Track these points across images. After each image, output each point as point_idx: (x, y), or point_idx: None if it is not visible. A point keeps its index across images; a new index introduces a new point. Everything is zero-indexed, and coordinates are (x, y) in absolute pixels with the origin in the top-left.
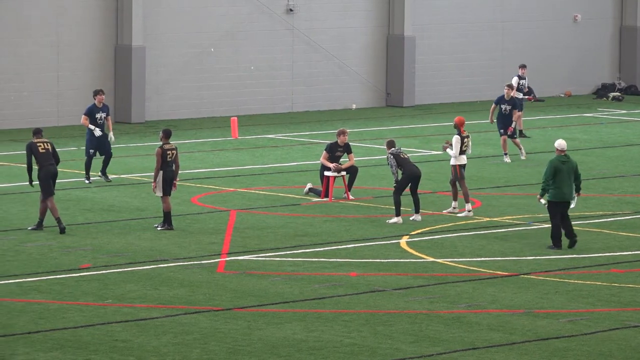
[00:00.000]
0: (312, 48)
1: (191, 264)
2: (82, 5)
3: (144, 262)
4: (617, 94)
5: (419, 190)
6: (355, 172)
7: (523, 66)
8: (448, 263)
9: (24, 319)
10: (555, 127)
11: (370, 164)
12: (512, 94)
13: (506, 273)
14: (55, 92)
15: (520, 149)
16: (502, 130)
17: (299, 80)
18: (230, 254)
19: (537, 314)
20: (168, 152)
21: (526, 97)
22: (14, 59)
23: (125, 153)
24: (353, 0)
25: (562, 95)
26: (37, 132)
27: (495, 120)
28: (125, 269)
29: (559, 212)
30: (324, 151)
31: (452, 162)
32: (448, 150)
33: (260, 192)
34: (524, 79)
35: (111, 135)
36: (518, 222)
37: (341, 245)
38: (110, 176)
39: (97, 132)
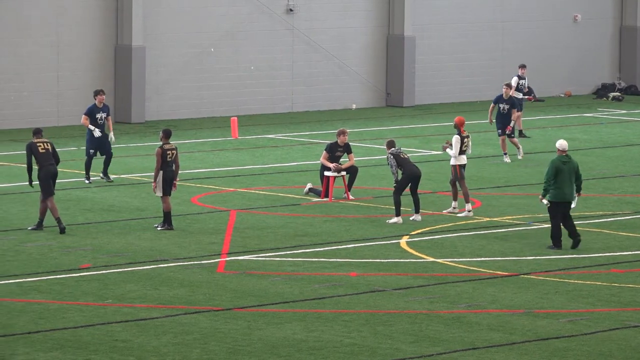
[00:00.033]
0: (312, 48)
1: (191, 264)
2: (82, 5)
3: (144, 262)
4: (617, 94)
5: (419, 190)
6: (355, 172)
7: (523, 66)
8: (448, 263)
9: (24, 319)
10: (555, 127)
11: (371, 164)
12: (510, 93)
13: (506, 273)
14: (55, 92)
15: (518, 148)
16: (500, 131)
17: (299, 80)
18: (230, 254)
19: (537, 314)
20: (168, 152)
21: (526, 97)
22: (14, 59)
23: (125, 153)
24: (353, 0)
25: (562, 95)
26: (37, 132)
27: (494, 121)
28: (125, 269)
29: (560, 212)
30: (324, 151)
31: (452, 162)
32: (448, 150)
33: (260, 192)
34: (524, 79)
35: (111, 135)
36: (518, 222)
37: (341, 245)
38: (111, 176)
39: (97, 132)
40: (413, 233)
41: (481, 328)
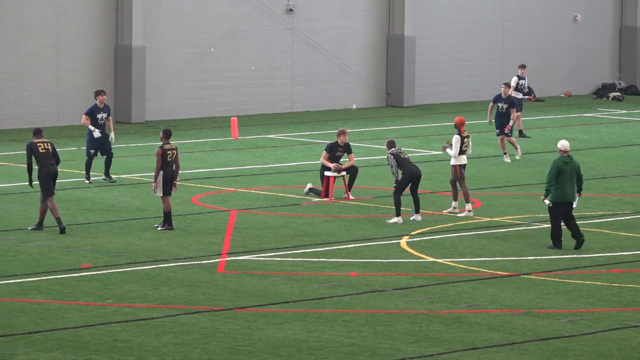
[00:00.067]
0: (312, 48)
1: (191, 264)
2: (82, 5)
3: (144, 262)
4: (617, 94)
5: (419, 190)
6: (356, 172)
7: (523, 66)
8: (448, 263)
9: (24, 319)
10: (555, 127)
11: (371, 164)
12: (509, 93)
13: (506, 273)
14: (55, 92)
15: (516, 148)
16: (498, 130)
17: (299, 80)
18: (230, 254)
19: (537, 314)
20: (168, 152)
21: (526, 97)
22: (14, 59)
23: (125, 153)
24: (353, 0)
25: (562, 95)
26: (37, 132)
27: (493, 120)
28: (126, 269)
29: (561, 212)
30: (324, 151)
31: (452, 162)
32: (448, 150)
33: (261, 192)
34: (524, 79)
35: (112, 135)
36: (518, 222)
37: (341, 245)
38: (113, 176)
39: (97, 133)
40: (413, 233)
41: (481, 328)
